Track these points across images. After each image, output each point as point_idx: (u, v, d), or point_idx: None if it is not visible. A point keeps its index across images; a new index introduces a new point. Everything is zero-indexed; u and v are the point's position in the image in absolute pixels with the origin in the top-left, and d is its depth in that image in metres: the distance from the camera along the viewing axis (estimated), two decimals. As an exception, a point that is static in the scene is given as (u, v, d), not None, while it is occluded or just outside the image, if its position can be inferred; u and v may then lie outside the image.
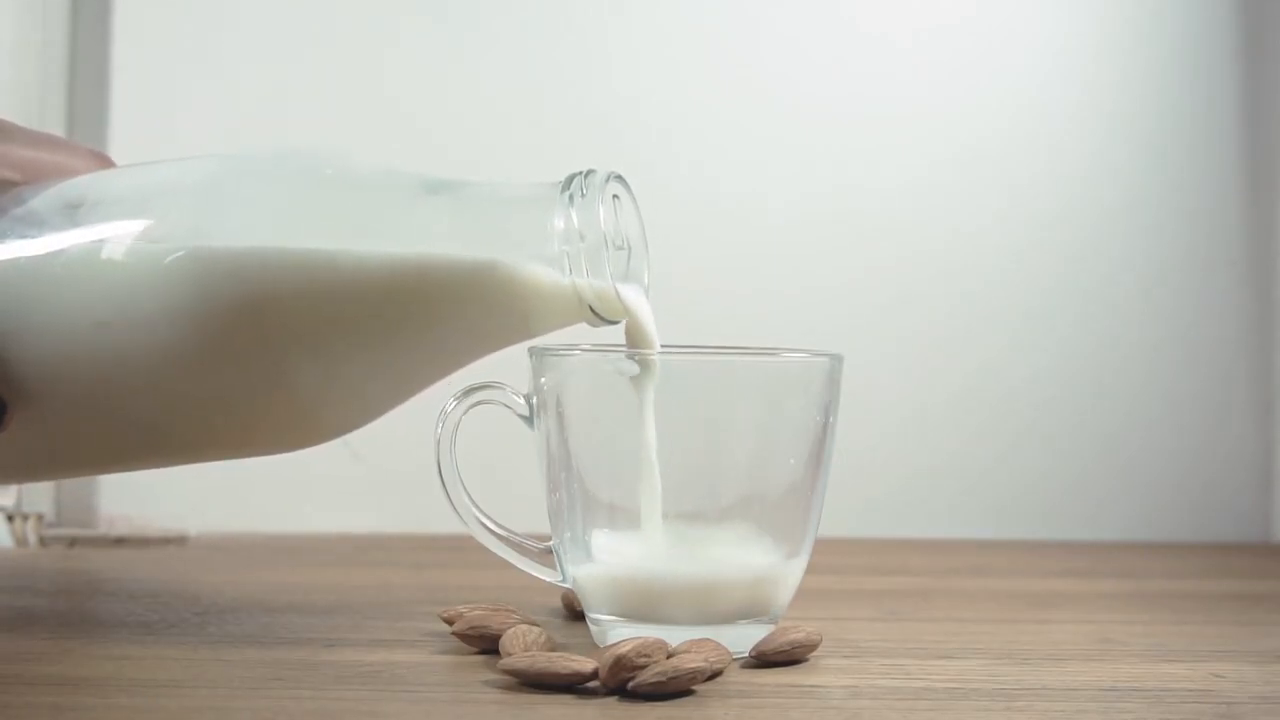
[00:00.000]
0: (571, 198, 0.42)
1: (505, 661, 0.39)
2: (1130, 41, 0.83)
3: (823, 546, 0.46)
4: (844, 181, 0.81)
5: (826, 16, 0.82)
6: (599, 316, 0.43)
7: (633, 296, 0.43)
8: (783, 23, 0.81)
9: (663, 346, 0.43)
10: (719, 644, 0.41)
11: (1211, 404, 0.83)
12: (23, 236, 0.43)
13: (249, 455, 0.46)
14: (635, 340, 0.43)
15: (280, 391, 0.42)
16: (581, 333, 0.44)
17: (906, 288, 0.81)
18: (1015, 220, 0.82)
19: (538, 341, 0.44)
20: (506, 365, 0.46)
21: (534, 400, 0.44)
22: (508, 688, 0.39)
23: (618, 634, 0.42)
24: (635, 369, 0.42)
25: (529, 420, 0.45)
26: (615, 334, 0.44)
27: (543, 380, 0.44)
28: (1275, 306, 0.83)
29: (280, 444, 0.45)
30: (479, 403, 0.45)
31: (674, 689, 0.38)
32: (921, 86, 0.82)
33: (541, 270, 0.42)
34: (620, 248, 0.44)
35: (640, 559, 0.42)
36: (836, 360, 0.44)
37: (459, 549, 0.61)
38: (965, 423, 0.81)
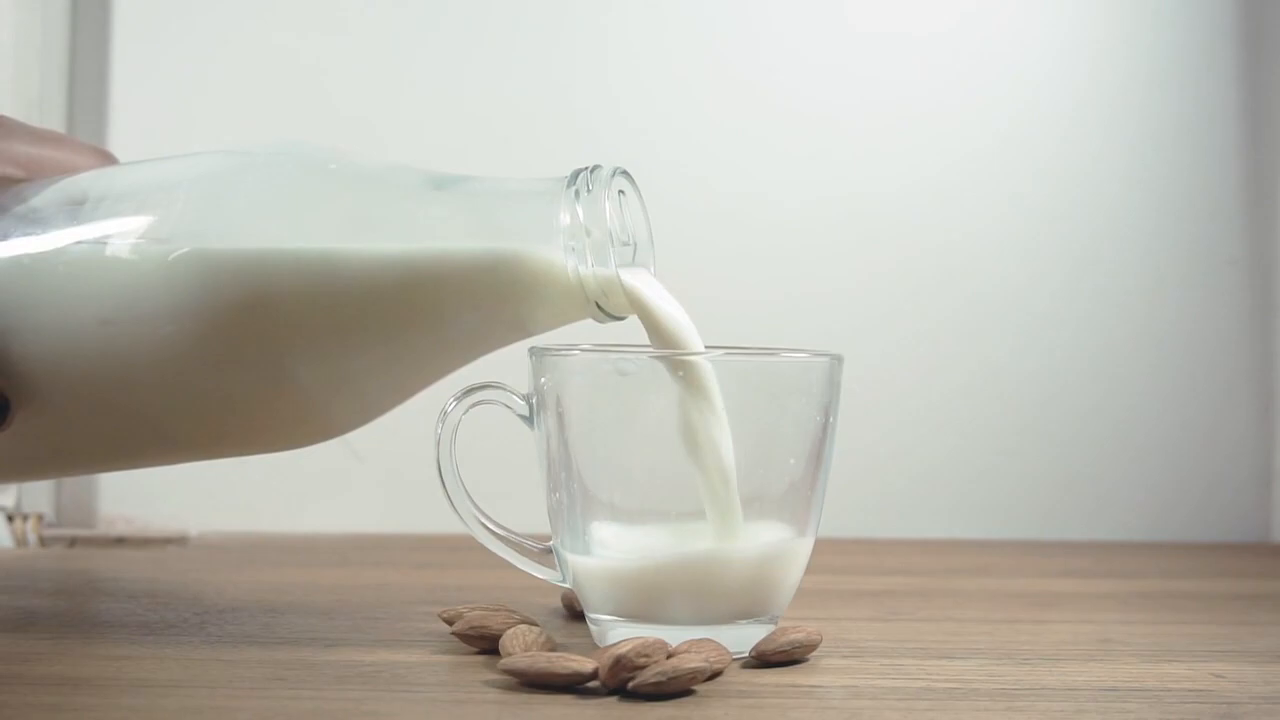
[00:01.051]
0: (577, 193, 0.42)
1: (505, 661, 0.39)
2: (1131, 42, 0.83)
3: (823, 546, 0.46)
4: (847, 184, 0.81)
5: (827, 20, 0.82)
6: (604, 312, 0.43)
7: (650, 294, 0.43)
8: (782, 24, 0.81)
9: (662, 349, 0.43)
10: (719, 644, 0.41)
11: (1211, 404, 0.83)
12: (26, 234, 0.43)
13: (253, 453, 0.46)
14: (665, 338, 0.43)
15: (284, 388, 0.42)
16: (585, 332, 0.44)
17: (906, 289, 0.81)
18: (1014, 222, 0.82)
19: (538, 341, 0.44)
20: (506, 365, 0.46)
21: (534, 400, 0.44)
22: (508, 688, 0.39)
23: (618, 634, 0.42)
24: (634, 368, 0.42)
25: (529, 420, 0.45)
26: (618, 333, 0.44)
27: (543, 380, 0.44)
28: (1275, 306, 0.83)
29: (284, 441, 0.45)
30: (479, 403, 0.45)
31: (674, 689, 0.38)
32: (922, 90, 0.82)
33: (547, 266, 0.42)
34: (626, 243, 0.43)
35: (639, 546, 0.42)
36: (836, 360, 0.44)
37: (459, 549, 0.61)
38: (966, 423, 0.81)
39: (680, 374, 0.41)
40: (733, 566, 0.42)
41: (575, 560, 0.44)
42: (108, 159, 0.48)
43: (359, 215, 0.42)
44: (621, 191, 0.43)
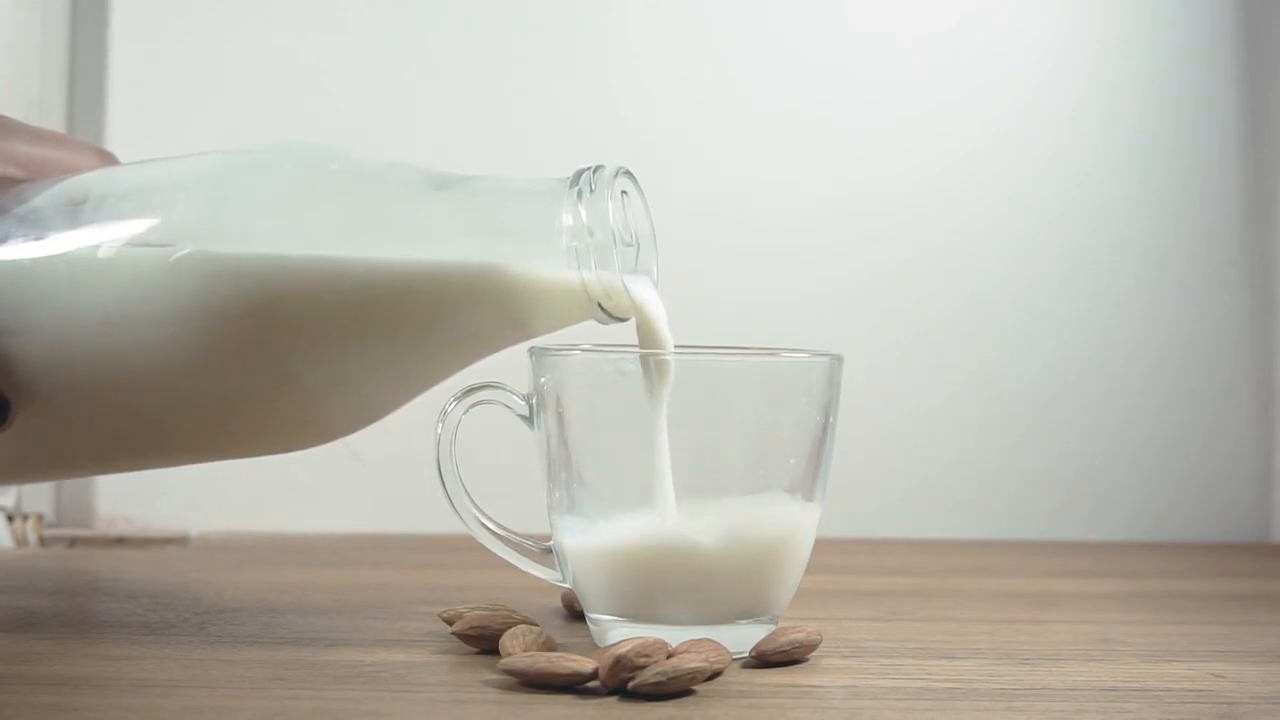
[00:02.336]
0: (580, 193, 0.42)
1: (505, 661, 0.39)
2: (1131, 42, 0.83)
3: (823, 546, 0.46)
4: (847, 184, 0.81)
5: (827, 20, 0.82)
6: (608, 314, 0.43)
7: (644, 295, 0.43)
8: (782, 24, 0.81)
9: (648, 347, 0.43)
10: (719, 644, 0.41)
11: (1211, 404, 0.83)
12: (26, 235, 0.43)
13: (253, 455, 0.46)
14: (647, 340, 0.43)
15: (285, 391, 0.42)
16: (584, 332, 0.44)
17: (906, 289, 0.81)
18: (1014, 222, 0.82)
19: (537, 341, 0.44)
20: (506, 365, 0.46)
21: (534, 400, 0.44)
22: (508, 688, 0.39)
23: (617, 634, 0.42)
24: (635, 368, 0.42)
25: (529, 420, 0.45)
26: (618, 334, 0.44)
27: (543, 380, 0.44)
28: (1275, 306, 0.83)
29: (285, 444, 0.45)
30: (479, 403, 0.45)
31: (674, 689, 0.38)
32: (922, 90, 0.82)
33: (550, 267, 0.42)
34: (629, 244, 0.43)
35: (641, 529, 0.42)
36: (836, 360, 0.44)
37: (459, 549, 0.61)
38: (966, 423, 0.81)
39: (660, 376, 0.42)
40: (724, 560, 0.42)
41: (574, 551, 0.43)
42: (109, 159, 0.48)
43: (360, 217, 0.42)
44: (624, 192, 0.43)
